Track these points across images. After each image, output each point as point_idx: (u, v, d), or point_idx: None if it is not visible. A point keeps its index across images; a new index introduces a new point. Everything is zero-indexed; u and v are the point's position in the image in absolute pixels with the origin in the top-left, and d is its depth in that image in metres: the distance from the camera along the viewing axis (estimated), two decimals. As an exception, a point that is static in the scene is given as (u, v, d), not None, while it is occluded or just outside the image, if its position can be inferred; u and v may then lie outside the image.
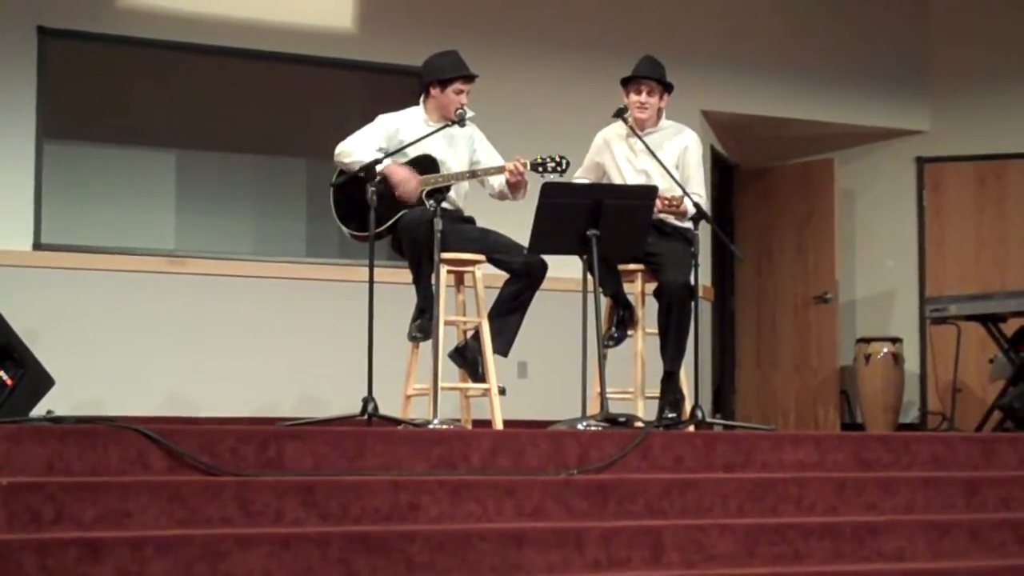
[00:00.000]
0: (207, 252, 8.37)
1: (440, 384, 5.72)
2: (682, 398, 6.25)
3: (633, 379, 6.32)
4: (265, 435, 4.61)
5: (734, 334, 10.82)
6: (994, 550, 5.06)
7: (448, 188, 6.13)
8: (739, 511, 4.93)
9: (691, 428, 5.85)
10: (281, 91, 9.01)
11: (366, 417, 5.56)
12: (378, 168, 5.92)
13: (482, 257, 6.11)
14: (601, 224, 5.73)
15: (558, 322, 6.79)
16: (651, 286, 6.30)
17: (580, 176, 6.56)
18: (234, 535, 4.15)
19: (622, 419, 5.69)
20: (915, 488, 5.27)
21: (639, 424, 5.78)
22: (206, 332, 8.08)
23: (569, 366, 6.06)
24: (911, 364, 9.93)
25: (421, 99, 6.32)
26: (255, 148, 9.35)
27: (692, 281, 6.12)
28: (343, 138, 6.21)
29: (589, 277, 5.82)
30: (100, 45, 8.23)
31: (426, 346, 5.97)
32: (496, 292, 6.16)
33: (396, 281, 6.44)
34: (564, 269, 6.27)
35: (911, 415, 10.04)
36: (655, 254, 6.19)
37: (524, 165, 6.08)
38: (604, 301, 6.22)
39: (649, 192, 5.99)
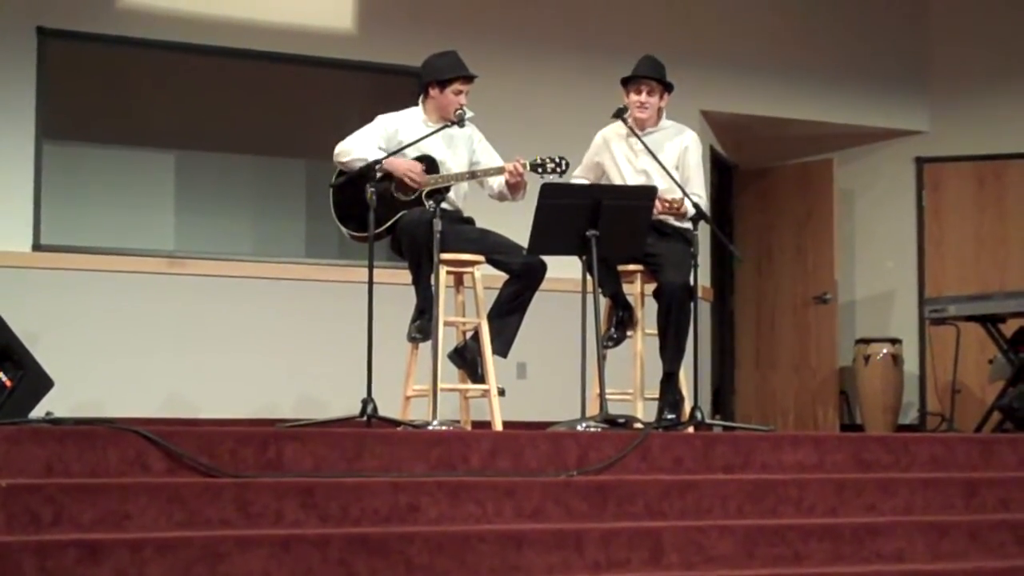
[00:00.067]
0: (206, 253, 8.37)
1: (439, 385, 5.72)
2: (681, 399, 6.25)
3: (632, 380, 6.31)
4: (264, 436, 4.61)
5: (733, 335, 10.82)
6: (993, 551, 5.06)
7: (448, 189, 6.14)
8: (739, 512, 4.93)
9: (690, 429, 5.85)
10: (280, 92, 9.01)
11: (365, 418, 5.56)
12: (380, 163, 5.92)
13: (481, 258, 6.11)
14: (600, 225, 5.74)
15: (557, 323, 6.79)
16: (650, 287, 6.30)
17: (579, 176, 6.55)
18: (233, 537, 4.15)
19: (621, 420, 5.69)
20: (914, 489, 5.27)
21: (638, 425, 5.77)
22: (205, 333, 8.08)
23: (568, 367, 6.06)
24: (910, 365, 9.93)
25: (420, 99, 6.32)
26: (254, 149, 9.35)
27: (691, 282, 6.12)
28: (342, 139, 6.20)
29: (588, 278, 5.82)
30: (100, 46, 8.23)
31: (425, 347, 5.97)
32: (495, 293, 6.16)
33: (395, 282, 6.44)
34: (563, 270, 6.27)
35: (910, 416, 10.04)
36: (654, 255, 6.19)
37: (524, 166, 6.08)
38: (603, 302, 6.22)
39: (648, 193, 5.99)
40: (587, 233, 5.73)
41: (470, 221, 6.33)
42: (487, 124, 6.40)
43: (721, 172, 10.60)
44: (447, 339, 6.09)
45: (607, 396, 5.81)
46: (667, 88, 6.40)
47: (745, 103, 9.72)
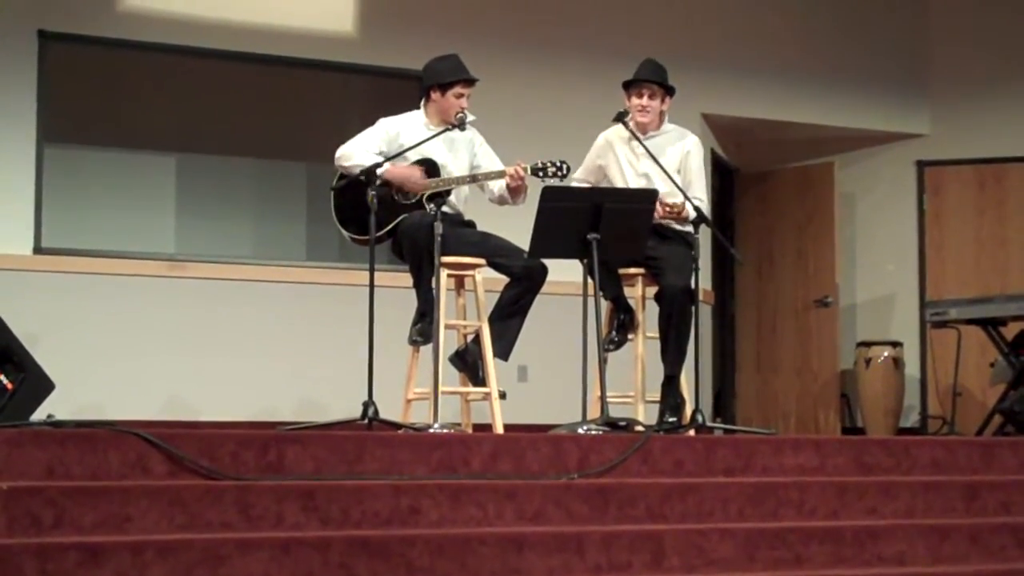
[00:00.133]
0: (207, 256, 8.37)
1: (440, 388, 5.72)
2: (683, 402, 6.25)
3: (634, 383, 6.31)
4: (265, 439, 4.61)
5: (734, 338, 10.82)
6: (994, 554, 5.06)
7: (449, 192, 6.14)
8: (740, 515, 4.93)
9: (692, 432, 5.84)
10: (281, 95, 9.00)
11: (366, 421, 5.56)
12: (379, 172, 5.91)
13: (482, 261, 6.11)
14: (601, 228, 5.74)
15: (558, 326, 6.79)
16: (652, 290, 6.30)
17: (580, 178, 6.55)
18: (234, 539, 4.15)
19: (623, 423, 5.69)
20: (916, 492, 5.27)
21: (640, 428, 5.77)
22: (206, 336, 8.07)
23: (569, 370, 6.06)
24: (911, 368, 9.93)
25: (422, 103, 6.32)
26: (255, 152, 9.34)
27: (693, 285, 6.12)
28: (343, 142, 6.20)
29: (589, 281, 5.83)
30: (101, 49, 8.23)
31: (426, 350, 5.97)
32: (496, 296, 6.16)
33: (396, 285, 6.44)
34: (564, 273, 6.27)
35: (911, 419, 10.04)
36: (656, 258, 6.19)
37: (525, 169, 6.08)
38: (605, 305, 6.22)
39: (649, 196, 5.99)
40: (588, 236, 5.73)
41: (471, 224, 6.33)
42: (487, 127, 6.40)
43: (722, 175, 10.61)
44: (448, 342, 6.09)
45: (608, 399, 5.81)
46: (669, 92, 6.40)
47: (746, 106, 9.72)
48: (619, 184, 6.37)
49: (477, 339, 6.12)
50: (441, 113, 6.20)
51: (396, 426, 5.62)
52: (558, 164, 6.07)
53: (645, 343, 6.35)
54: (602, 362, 5.88)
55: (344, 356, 7.22)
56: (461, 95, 6.17)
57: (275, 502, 4.34)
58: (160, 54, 8.34)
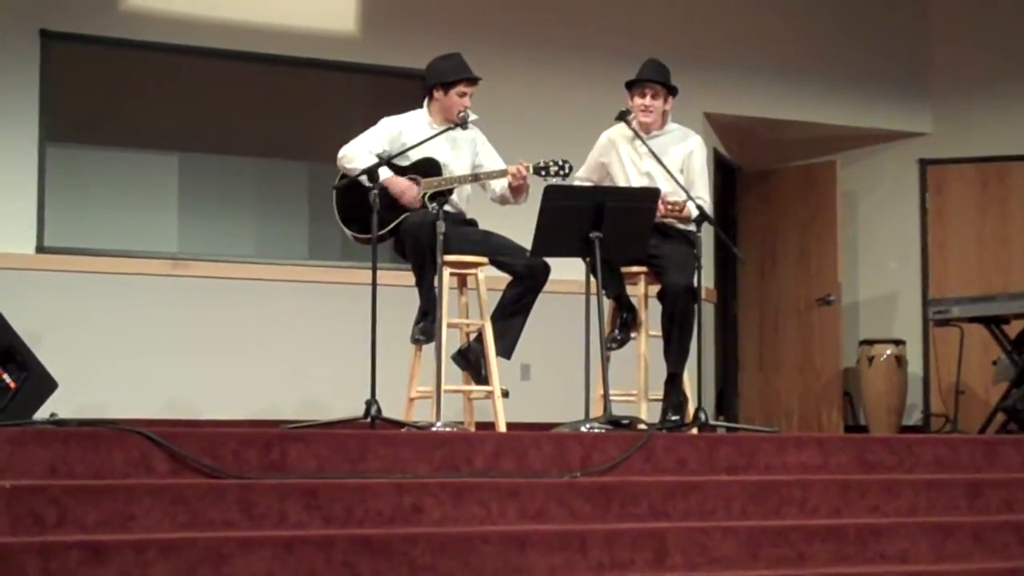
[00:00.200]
0: (210, 255, 8.37)
1: (443, 387, 5.72)
2: (685, 400, 6.25)
3: (636, 381, 6.31)
4: (268, 438, 4.61)
5: (737, 337, 10.82)
6: (997, 552, 5.06)
7: (451, 191, 6.14)
8: (742, 513, 4.93)
9: (694, 430, 5.85)
10: (284, 94, 9.00)
11: (369, 420, 5.56)
12: (380, 179, 5.91)
13: (485, 260, 6.11)
14: (604, 226, 5.74)
15: (561, 324, 6.78)
16: (654, 288, 6.30)
17: (582, 176, 6.55)
18: (237, 538, 4.15)
19: (625, 421, 5.69)
20: (918, 490, 5.27)
21: (642, 426, 5.78)
22: (209, 335, 8.08)
23: (572, 368, 6.06)
24: (914, 366, 9.93)
25: (425, 102, 6.33)
26: (258, 151, 9.34)
27: (695, 283, 6.12)
28: (345, 141, 6.21)
29: (592, 279, 5.83)
30: (103, 48, 8.23)
31: (429, 349, 5.97)
32: (499, 295, 6.16)
33: (399, 284, 6.44)
34: (567, 271, 6.27)
35: (914, 417, 10.03)
36: (658, 256, 6.19)
37: (527, 168, 6.08)
38: (607, 303, 6.22)
39: (651, 194, 5.99)
40: (590, 235, 5.74)
41: (473, 223, 6.33)
42: (488, 126, 6.40)
43: (724, 174, 10.60)
44: (451, 341, 6.09)
45: (611, 397, 5.81)
46: (671, 92, 6.40)
47: (748, 105, 9.72)
48: (621, 183, 6.37)
49: (480, 338, 6.12)
50: (444, 112, 6.20)
51: (399, 425, 5.62)
52: (560, 163, 6.07)
53: (648, 341, 6.35)
54: (605, 360, 5.88)
55: (347, 355, 7.23)
56: (464, 94, 6.17)
57: (278, 501, 4.34)
58: (162, 53, 8.35)
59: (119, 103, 8.77)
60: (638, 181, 6.34)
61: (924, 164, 10.23)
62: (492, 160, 6.35)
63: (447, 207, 5.91)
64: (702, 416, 5.86)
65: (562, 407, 6.36)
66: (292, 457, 4.56)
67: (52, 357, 6.09)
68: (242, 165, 9.37)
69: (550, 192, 5.72)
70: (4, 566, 3.82)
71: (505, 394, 6.03)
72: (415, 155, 6.13)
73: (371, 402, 5.58)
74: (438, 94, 6.22)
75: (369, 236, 5.89)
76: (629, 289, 6.39)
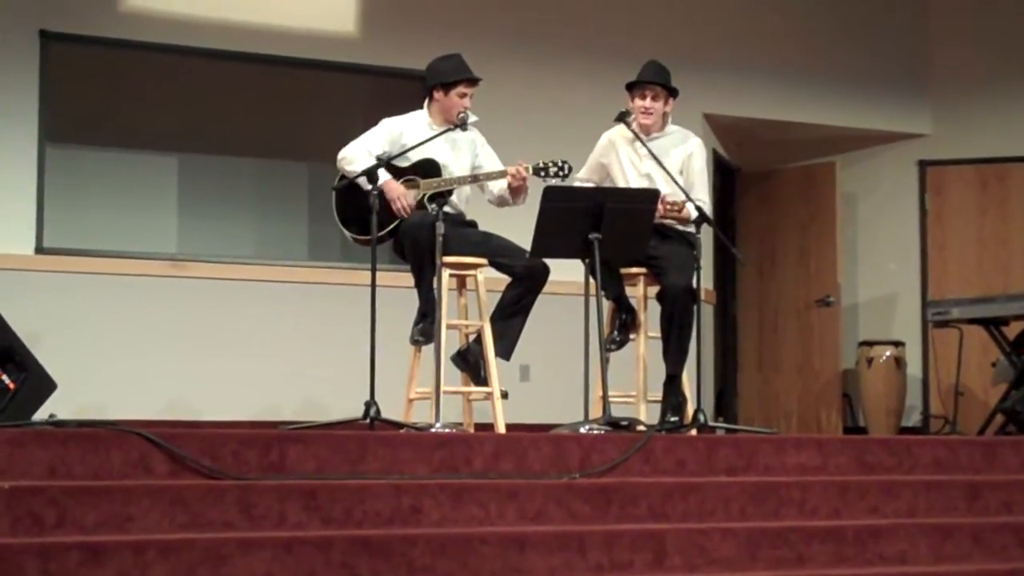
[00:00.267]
0: (209, 256, 8.37)
1: (442, 388, 5.72)
2: (684, 402, 6.25)
3: (635, 383, 6.31)
4: (267, 439, 4.61)
5: (736, 338, 10.81)
6: (996, 553, 5.06)
7: (450, 192, 6.14)
8: (741, 515, 4.93)
9: (693, 432, 5.84)
10: (283, 95, 9.00)
11: (368, 421, 5.56)
12: (379, 182, 5.91)
13: (484, 261, 6.11)
14: (603, 227, 5.74)
15: (560, 326, 6.79)
16: (653, 289, 6.30)
17: (583, 177, 6.55)
18: (236, 539, 4.15)
19: (624, 423, 5.69)
20: (917, 492, 5.27)
21: (641, 428, 5.77)
22: (208, 336, 8.08)
23: (571, 370, 6.06)
24: (913, 367, 9.93)
25: (425, 103, 6.33)
26: (257, 152, 9.35)
27: (694, 284, 6.12)
28: (345, 142, 6.21)
29: (591, 280, 5.83)
30: (102, 49, 8.23)
31: (428, 350, 5.97)
32: (498, 296, 6.16)
33: (398, 285, 6.44)
34: (566, 272, 6.27)
35: (913, 419, 10.03)
36: (658, 257, 6.19)
37: (526, 169, 6.08)
38: (606, 304, 6.22)
39: (651, 196, 5.99)
40: (590, 236, 5.73)
41: (473, 224, 6.33)
42: (488, 127, 6.40)
43: (724, 175, 10.60)
44: (450, 342, 6.09)
45: (610, 399, 5.80)
46: (672, 93, 6.40)
47: (747, 106, 9.72)
48: (621, 184, 6.37)
49: (479, 339, 6.12)
50: (444, 113, 6.20)
51: (398, 426, 5.62)
52: (560, 164, 6.08)
53: (647, 343, 6.35)
54: (604, 361, 5.88)
55: (346, 356, 7.23)
56: (464, 95, 6.17)
57: (277, 501, 4.34)
58: (162, 54, 8.34)
59: (119, 104, 8.77)
60: (638, 182, 6.34)
61: (924, 165, 10.23)
62: (491, 162, 6.35)
63: (447, 208, 5.91)
64: (701, 417, 5.86)
65: (561, 408, 6.36)
66: (291, 458, 4.56)
67: (51, 358, 6.08)
68: (242, 166, 9.37)
69: (549, 193, 5.72)
70: (3, 567, 3.82)
71: (504, 395, 6.03)
72: (415, 156, 6.14)
73: (370, 403, 5.58)
74: (438, 95, 6.22)
75: (368, 237, 5.89)
76: (628, 290, 6.39)
